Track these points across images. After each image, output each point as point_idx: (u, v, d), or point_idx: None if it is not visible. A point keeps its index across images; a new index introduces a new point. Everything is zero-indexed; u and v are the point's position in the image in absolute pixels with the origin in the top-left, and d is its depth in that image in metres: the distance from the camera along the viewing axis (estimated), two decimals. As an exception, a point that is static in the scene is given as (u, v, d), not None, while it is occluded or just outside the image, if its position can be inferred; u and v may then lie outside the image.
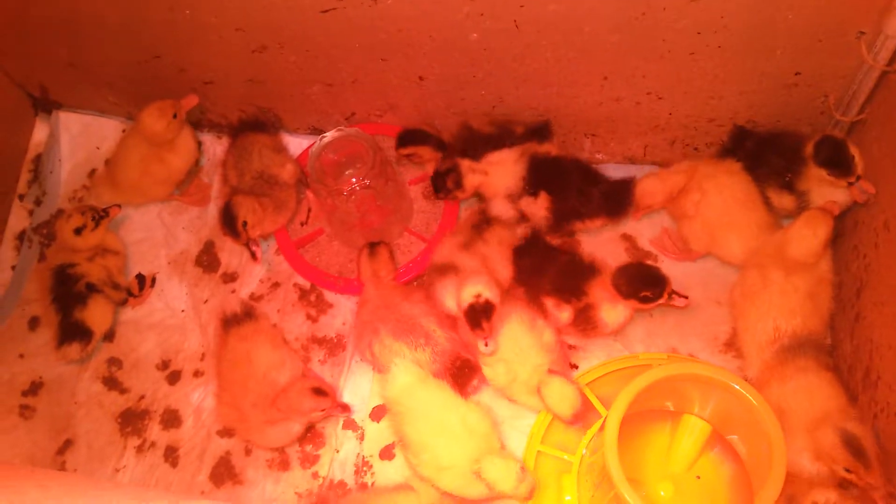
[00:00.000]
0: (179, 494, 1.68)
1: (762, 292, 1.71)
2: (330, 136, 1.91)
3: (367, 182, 1.88)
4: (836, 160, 1.68)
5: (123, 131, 2.28)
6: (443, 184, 1.89)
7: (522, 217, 1.93)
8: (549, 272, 1.79)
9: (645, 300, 1.72)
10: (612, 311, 1.76)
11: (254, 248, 1.96)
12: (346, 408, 1.81)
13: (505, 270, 1.85)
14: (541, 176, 1.88)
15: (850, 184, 1.68)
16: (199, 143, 2.22)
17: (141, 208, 2.22)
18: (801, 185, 1.79)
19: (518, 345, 1.72)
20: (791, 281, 1.69)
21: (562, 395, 1.64)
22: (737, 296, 1.79)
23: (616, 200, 1.89)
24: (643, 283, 1.71)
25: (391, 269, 1.90)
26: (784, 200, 1.83)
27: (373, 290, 1.87)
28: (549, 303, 1.77)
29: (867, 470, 1.43)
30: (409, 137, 2.00)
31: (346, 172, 1.91)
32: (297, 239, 2.08)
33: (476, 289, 1.68)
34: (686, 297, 1.74)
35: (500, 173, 1.90)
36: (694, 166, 1.89)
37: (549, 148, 1.93)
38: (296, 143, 2.20)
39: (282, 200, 2.01)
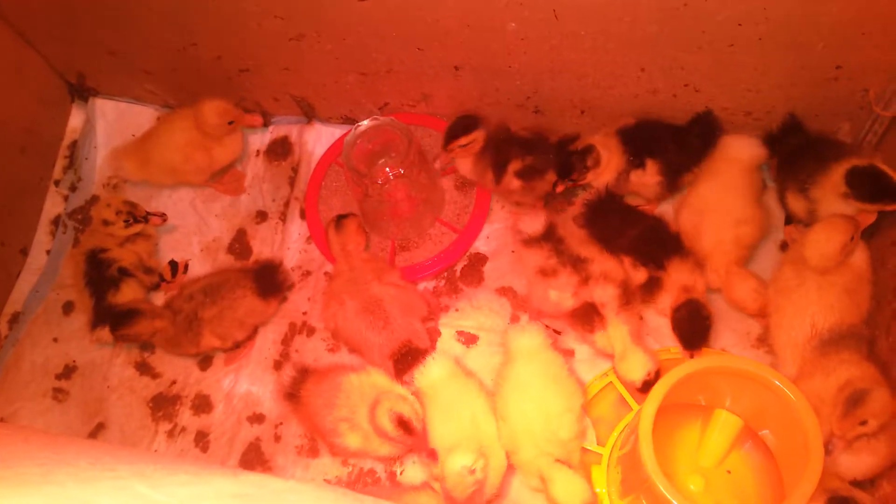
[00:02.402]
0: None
1: (798, 288, 1.68)
2: (365, 124, 1.92)
3: (401, 171, 1.88)
4: (880, 190, 1.64)
5: (158, 118, 2.29)
6: (579, 164, 1.83)
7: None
8: (629, 232, 1.79)
9: None
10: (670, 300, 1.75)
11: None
12: (433, 455, 1.63)
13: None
14: (637, 145, 1.86)
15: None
16: (245, 147, 2.24)
17: (174, 196, 2.24)
18: (815, 193, 1.75)
19: (536, 419, 1.61)
20: (827, 277, 1.66)
21: (569, 491, 1.52)
22: (771, 292, 1.75)
23: (710, 135, 1.88)
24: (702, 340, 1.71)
25: (360, 242, 1.90)
26: (798, 205, 1.80)
27: (345, 264, 1.87)
28: (627, 260, 1.77)
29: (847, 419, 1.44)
30: (465, 125, 1.87)
31: (380, 161, 1.92)
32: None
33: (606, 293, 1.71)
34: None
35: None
36: None
37: (626, 120, 1.91)
38: (328, 133, 2.22)
39: (176, 342, 1.94)
